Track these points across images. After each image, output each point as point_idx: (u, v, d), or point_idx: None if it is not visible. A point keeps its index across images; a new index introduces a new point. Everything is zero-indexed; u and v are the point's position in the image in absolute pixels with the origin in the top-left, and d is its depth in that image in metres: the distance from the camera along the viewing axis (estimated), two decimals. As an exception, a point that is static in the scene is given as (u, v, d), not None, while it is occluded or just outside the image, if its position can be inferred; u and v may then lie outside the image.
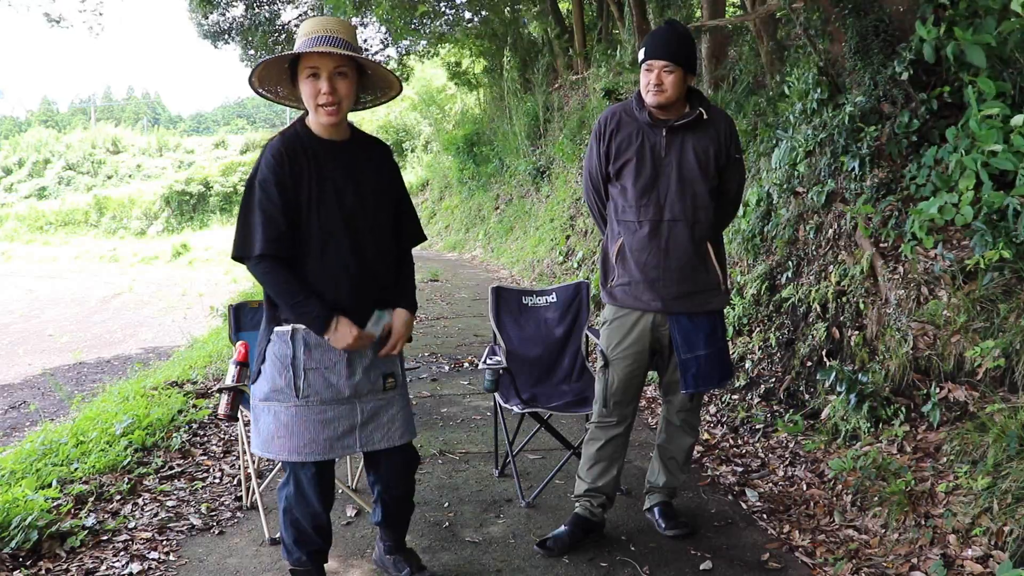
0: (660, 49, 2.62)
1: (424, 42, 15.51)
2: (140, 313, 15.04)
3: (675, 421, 2.96)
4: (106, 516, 3.18)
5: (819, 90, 4.69)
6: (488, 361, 3.29)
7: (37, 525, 2.89)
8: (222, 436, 4.30)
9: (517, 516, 3.19)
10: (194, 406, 4.68)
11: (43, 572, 2.75)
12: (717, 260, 2.77)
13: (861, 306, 3.89)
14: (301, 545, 2.39)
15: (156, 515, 3.23)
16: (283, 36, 14.25)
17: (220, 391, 3.19)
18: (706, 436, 4.10)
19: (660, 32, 2.68)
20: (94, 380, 8.38)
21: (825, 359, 3.98)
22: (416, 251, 2.58)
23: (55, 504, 3.16)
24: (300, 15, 14.51)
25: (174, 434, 4.16)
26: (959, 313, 3.33)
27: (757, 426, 4.08)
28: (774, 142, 5.10)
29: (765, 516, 3.16)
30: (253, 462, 3.28)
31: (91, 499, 3.29)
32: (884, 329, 3.69)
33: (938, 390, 3.28)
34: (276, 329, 2.27)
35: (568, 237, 9.39)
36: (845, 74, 4.62)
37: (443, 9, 14.58)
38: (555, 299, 3.75)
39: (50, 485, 3.35)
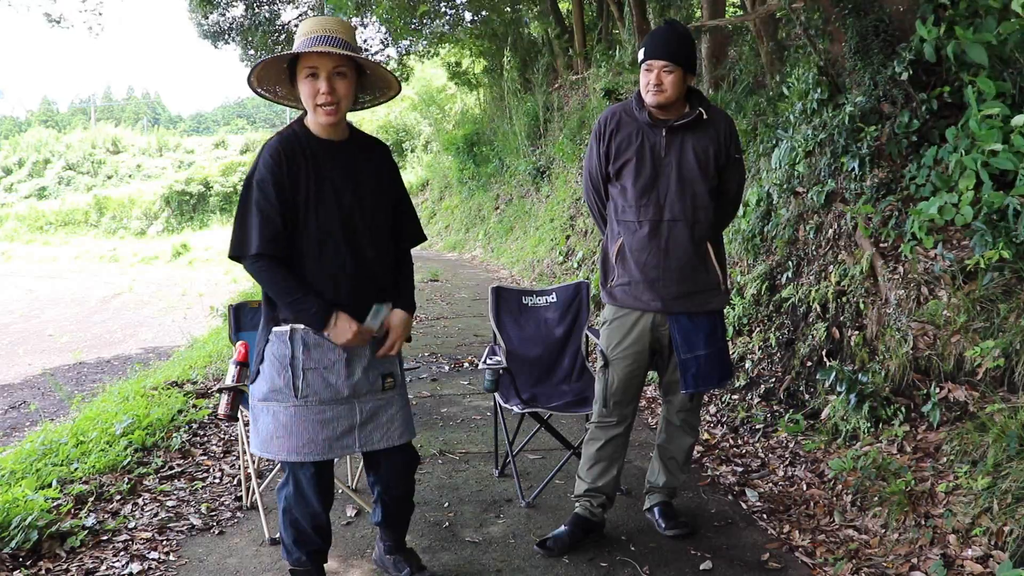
0: (660, 49, 2.62)
1: (424, 42, 15.51)
2: (140, 313, 15.04)
3: (675, 421, 2.96)
4: (106, 516, 3.18)
5: (819, 90, 4.69)
6: (488, 361, 3.29)
7: (37, 525, 2.89)
8: (222, 436, 4.30)
9: (517, 516, 3.19)
10: (194, 406, 4.68)
11: (43, 572, 2.75)
12: (717, 260, 2.77)
13: (861, 306, 3.89)
14: (301, 545, 2.39)
15: (156, 515, 3.23)
16: (283, 36, 14.25)
17: (220, 391, 3.19)
18: (706, 436, 4.10)
19: (660, 32, 2.68)
20: (94, 380, 8.38)
21: (825, 359, 3.98)
22: (416, 251, 2.58)
23: (55, 504, 3.16)
24: (300, 15, 14.51)
25: (174, 434, 4.16)
26: (959, 313, 3.33)
27: (757, 426, 4.08)
28: (774, 142, 5.10)
29: (765, 516, 3.16)
30: (253, 462, 3.28)
31: (91, 499, 3.29)
32: (884, 329, 3.69)
33: (938, 390, 3.28)
34: (274, 329, 2.27)
35: (568, 237, 9.39)
36: (845, 74, 4.62)
37: (443, 9, 14.58)
38: (555, 299, 3.75)
39: (50, 485, 3.35)
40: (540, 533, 2.97)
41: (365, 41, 15.80)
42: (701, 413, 3.99)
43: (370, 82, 2.35)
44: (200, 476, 3.72)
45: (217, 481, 3.67)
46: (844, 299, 4.03)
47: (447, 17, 14.79)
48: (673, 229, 2.69)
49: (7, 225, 30.45)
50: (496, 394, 3.40)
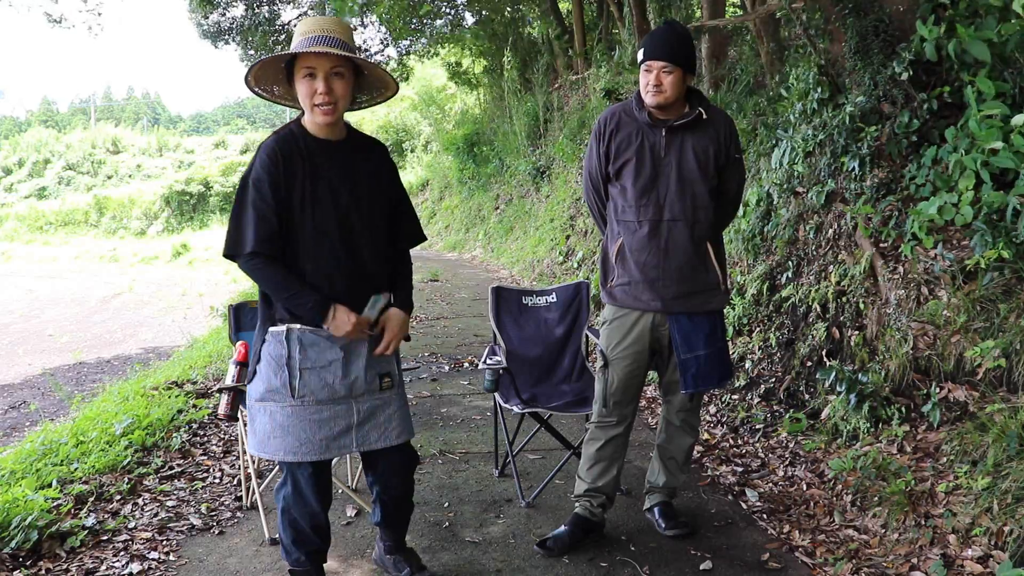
0: (659, 50, 2.62)
1: (424, 41, 15.51)
2: (140, 313, 15.04)
3: (675, 421, 2.96)
4: (106, 516, 3.18)
5: (819, 90, 4.69)
6: (488, 361, 3.29)
7: (37, 525, 2.89)
8: (222, 436, 4.30)
9: (517, 516, 3.19)
10: (194, 406, 4.68)
11: (43, 572, 2.75)
12: (717, 260, 2.77)
13: (861, 306, 3.89)
14: (299, 545, 2.39)
15: (156, 515, 3.23)
16: (283, 36, 14.25)
17: (220, 391, 3.19)
18: (706, 436, 4.10)
19: (659, 32, 2.68)
20: (94, 380, 8.38)
21: (825, 359, 3.98)
22: (416, 251, 2.58)
23: (55, 504, 3.16)
24: (300, 15, 14.51)
25: (174, 434, 4.16)
26: (959, 313, 3.33)
27: (757, 426, 4.08)
28: (774, 142, 5.10)
29: (765, 516, 3.16)
30: (253, 462, 3.28)
31: (91, 499, 3.29)
32: (884, 329, 3.69)
33: (938, 390, 3.28)
34: (271, 329, 2.27)
35: (568, 237, 9.39)
36: (845, 74, 4.62)
37: (444, 10, 14.58)
38: (555, 299, 3.75)
39: (50, 485, 3.35)
40: (540, 533, 2.97)
41: (365, 41, 15.81)
42: (701, 413, 3.99)
43: (368, 82, 2.35)
44: (200, 476, 3.72)
45: (217, 481, 3.67)
46: (844, 299, 4.03)
47: (448, 16, 14.80)
48: (673, 229, 2.69)
49: (7, 225, 30.45)
50: (496, 394, 3.40)
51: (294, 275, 2.22)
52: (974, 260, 3.31)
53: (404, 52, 16.27)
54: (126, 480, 3.51)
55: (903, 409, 3.39)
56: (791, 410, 4.02)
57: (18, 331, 13.20)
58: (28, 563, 2.78)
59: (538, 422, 3.45)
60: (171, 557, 2.90)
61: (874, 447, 3.32)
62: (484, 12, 14.83)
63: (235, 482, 3.61)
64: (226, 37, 14.60)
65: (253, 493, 3.27)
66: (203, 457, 3.97)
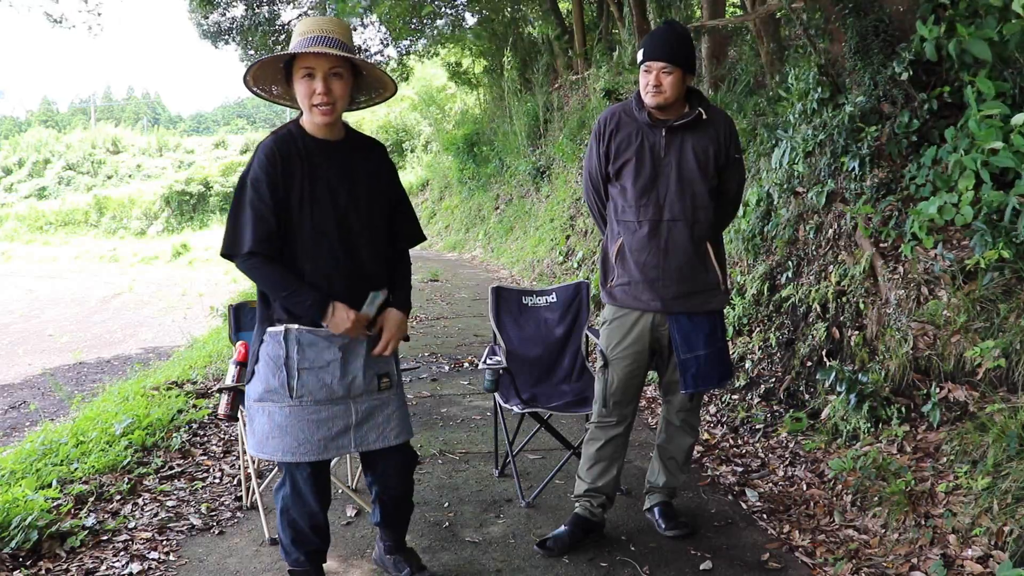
0: (658, 50, 2.62)
1: (424, 41, 15.52)
2: (140, 313, 15.05)
3: (675, 421, 2.96)
4: (106, 516, 3.18)
5: (819, 90, 4.69)
6: (488, 361, 3.29)
7: (37, 525, 2.89)
8: (222, 436, 4.30)
9: (517, 516, 3.19)
10: (194, 406, 4.68)
11: (43, 572, 2.75)
12: (717, 260, 2.77)
13: (861, 306, 3.89)
14: (299, 545, 2.39)
15: (156, 515, 3.23)
16: (283, 36, 14.25)
17: (220, 391, 3.19)
18: (706, 436, 4.10)
19: (659, 33, 2.68)
20: (94, 380, 8.38)
21: (825, 359, 3.98)
22: (416, 251, 2.58)
23: (55, 504, 3.16)
24: (300, 15, 14.51)
25: (174, 434, 4.16)
26: (959, 313, 3.33)
27: (757, 426, 4.08)
28: (774, 142, 5.10)
29: (765, 516, 3.16)
30: (253, 462, 3.28)
31: (91, 499, 3.29)
32: (884, 329, 3.69)
33: (938, 390, 3.28)
34: (269, 329, 2.27)
35: (568, 237, 9.39)
36: (845, 74, 4.62)
37: (444, 10, 14.59)
38: (555, 299, 3.75)
39: (50, 485, 3.35)
40: (540, 533, 2.97)
41: (365, 41, 15.81)
42: (701, 413, 3.99)
43: (366, 83, 2.35)
44: (200, 476, 3.72)
45: (217, 481, 3.67)
46: (844, 299, 4.03)
47: (449, 15, 14.80)
48: (673, 229, 2.69)
49: (7, 225, 30.45)
50: (496, 394, 3.40)
51: (292, 274, 2.22)
52: (974, 260, 3.31)
53: (404, 52, 16.28)
54: (126, 480, 3.51)
55: (903, 409, 3.39)
56: (791, 410, 4.02)
57: (18, 331, 13.20)
58: (28, 563, 2.78)
59: (538, 422, 3.45)
60: (171, 557, 2.90)
61: (874, 447, 3.32)
62: (484, 12, 14.82)
63: (235, 482, 3.61)
64: (226, 37, 14.60)
65: (253, 493, 3.27)
66: (203, 457, 3.97)
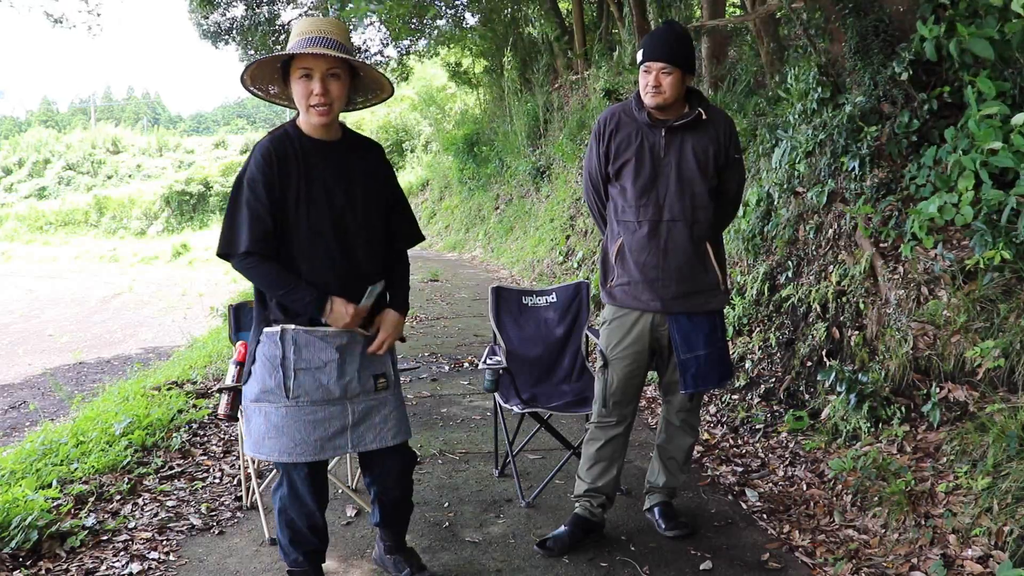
0: (658, 50, 2.62)
1: (424, 42, 15.52)
2: (140, 313, 15.05)
3: (675, 421, 2.96)
4: (106, 516, 3.18)
5: (819, 90, 4.69)
6: (488, 361, 3.29)
7: (37, 525, 2.89)
8: (222, 436, 4.29)
9: (517, 516, 3.19)
10: (194, 406, 4.68)
11: (43, 572, 2.75)
12: (716, 260, 2.77)
13: (861, 306, 3.89)
14: (297, 546, 2.39)
15: (156, 515, 3.23)
16: (283, 36, 14.25)
17: (220, 391, 3.19)
18: (706, 436, 4.10)
19: (658, 33, 2.68)
20: (94, 380, 8.39)
21: (825, 359, 3.98)
22: (416, 251, 2.58)
23: (55, 504, 3.16)
24: (300, 15, 14.52)
25: (174, 434, 4.16)
26: (959, 313, 3.33)
27: (757, 426, 4.08)
28: (774, 142, 5.10)
29: (765, 516, 3.16)
30: (253, 462, 3.28)
31: (91, 499, 3.29)
32: (884, 329, 3.69)
33: (938, 390, 3.28)
34: (265, 330, 2.27)
35: (568, 237, 9.39)
36: (845, 74, 4.62)
37: (444, 10, 14.59)
38: (555, 299, 3.75)
39: (50, 485, 3.35)
40: (540, 533, 2.97)
41: (364, 41, 15.81)
42: (701, 413, 4.00)
43: (364, 84, 2.36)
44: (200, 476, 3.72)
45: (217, 481, 3.67)
46: (844, 299, 4.03)
47: (449, 16, 14.80)
48: (672, 229, 2.69)
49: (7, 225, 30.46)
50: (496, 394, 3.40)
51: (289, 272, 2.22)
52: (974, 260, 3.31)
53: (404, 52, 16.27)
54: (126, 480, 3.51)
55: (903, 409, 3.39)
56: (791, 410, 4.02)
57: (18, 331, 13.20)
58: (28, 563, 2.78)
59: (538, 422, 3.45)
60: (171, 557, 2.90)
61: (874, 447, 3.32)
62: (484, 12, 14.82)
63: (235, 482, 3.61)
64: (226, 37, 14.60)
65: (253, 493, 3.27)
66: (203, 457, 3.97)
